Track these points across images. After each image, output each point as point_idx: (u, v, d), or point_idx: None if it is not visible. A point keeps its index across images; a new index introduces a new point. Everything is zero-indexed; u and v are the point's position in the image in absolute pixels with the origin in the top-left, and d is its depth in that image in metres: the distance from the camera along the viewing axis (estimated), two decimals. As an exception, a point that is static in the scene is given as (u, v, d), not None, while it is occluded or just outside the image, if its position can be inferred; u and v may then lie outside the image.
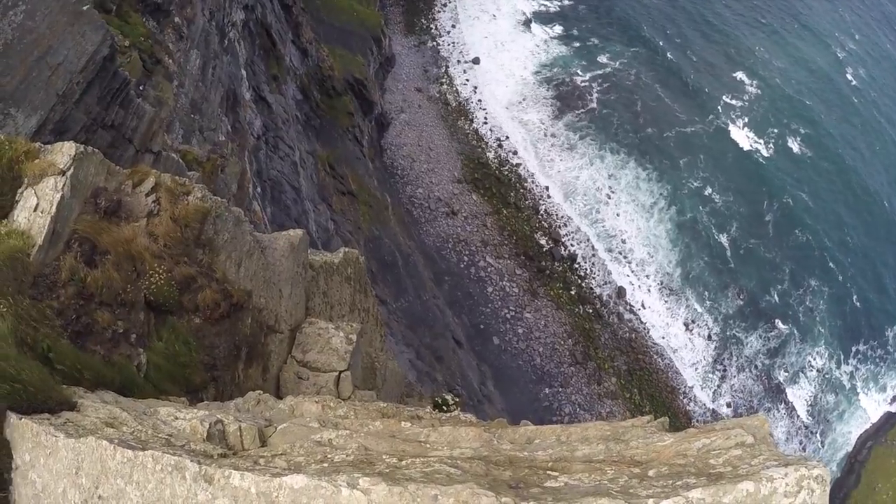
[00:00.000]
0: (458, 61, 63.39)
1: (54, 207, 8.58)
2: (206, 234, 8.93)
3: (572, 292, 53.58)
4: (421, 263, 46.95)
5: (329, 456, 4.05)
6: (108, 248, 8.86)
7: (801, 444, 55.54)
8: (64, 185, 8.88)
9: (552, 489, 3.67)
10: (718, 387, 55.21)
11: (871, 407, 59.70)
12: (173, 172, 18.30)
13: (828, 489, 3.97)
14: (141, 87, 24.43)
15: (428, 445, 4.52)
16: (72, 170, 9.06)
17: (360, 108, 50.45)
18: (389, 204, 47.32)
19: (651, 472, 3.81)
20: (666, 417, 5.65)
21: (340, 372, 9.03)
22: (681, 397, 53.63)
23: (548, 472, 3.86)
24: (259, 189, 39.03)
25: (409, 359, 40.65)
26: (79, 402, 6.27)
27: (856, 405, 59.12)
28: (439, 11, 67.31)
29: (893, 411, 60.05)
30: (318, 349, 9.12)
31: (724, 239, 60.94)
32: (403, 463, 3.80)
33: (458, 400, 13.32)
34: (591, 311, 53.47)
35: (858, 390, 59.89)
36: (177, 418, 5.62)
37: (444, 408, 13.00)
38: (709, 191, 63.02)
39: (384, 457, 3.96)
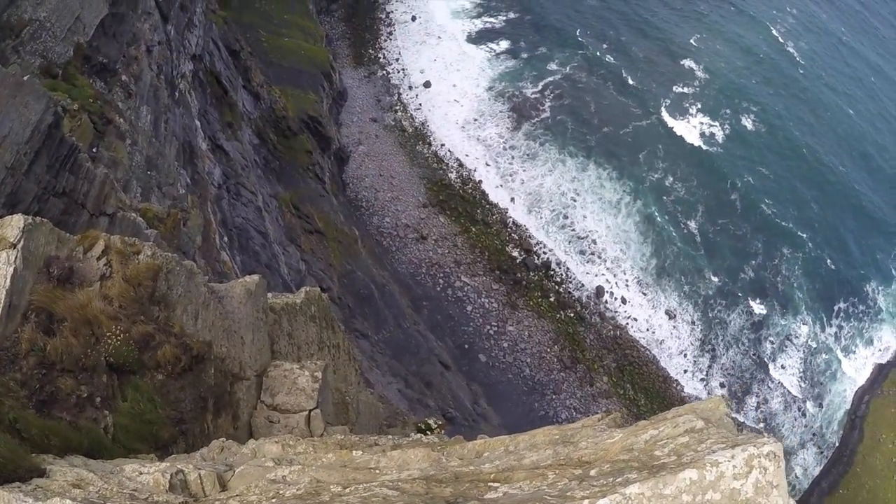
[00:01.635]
0: (410, 87, 63.83)
1: (8, 281, 8.63)
2: (160, 291, 8.95)
3: (551, 299, 53.78)
4: (397, 292, 46.87)
5: (281, 492, 4.09)
6: (64, 316, 8.94)
7: (799, 409, 56.24)
8: (16, 258, 8.93)
9: (490, 500, 3.70)
10: (709, 368, 55.71)
11: (861, 362, 60.81)
12: (129, 233, 18.24)
13: (783, 465, 3.95)
14: (94, 149, 24.35)
15: (378, 471, 4.57)
16: (22, 242, 9.12)
17: (318, 146, 50.57)
18: (358, 237, 47.29)
19: (593, 472, 3.82)
20: (618, 413, 5.67)
21: (310, 410, 9.03)
22: (674, 385, 53.96)
23: (489, 483, 3.90)
24: (226, 238, 38.86)
25: (398, 389, 40.46)
26: (48, 468, 6.29)
27: (846, 362, 60.16)
28: (385, 40, 67.91)
29: (883, 363, 61.35)
30: (285, 391, 9.12)
31: (692, 224, 61.89)
32: (347, 490, 3.84)
33: (440, 423, 13.33)
34: (572, 314, 53.67)
35: (846, 348, 60.98)
36: (141, 473, 5.65)
37: (428, 432, 13.00)
38: (670, 180, 64.06)
39: (331, 487, 4.00)
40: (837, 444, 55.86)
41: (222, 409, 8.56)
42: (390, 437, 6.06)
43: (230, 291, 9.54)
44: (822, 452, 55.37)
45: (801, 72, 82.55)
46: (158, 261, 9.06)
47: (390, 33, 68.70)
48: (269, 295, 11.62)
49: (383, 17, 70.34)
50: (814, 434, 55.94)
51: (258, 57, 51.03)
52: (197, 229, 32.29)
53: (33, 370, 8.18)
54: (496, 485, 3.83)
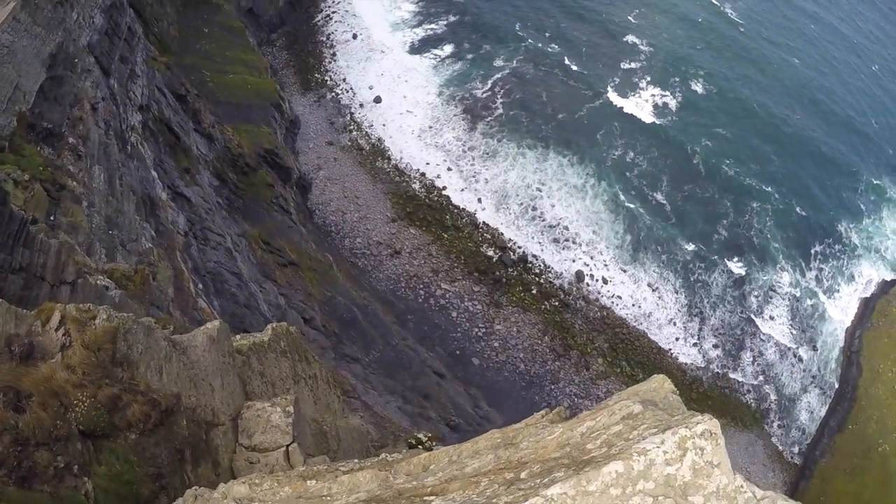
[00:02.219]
0: (361, 105, 63.79)
1: (-29, 366, 8.68)
2: (121, 352, 8.96)
3: (534, 291, 53.97)
4: (380, 310, 46.73)
5: (241, 531, 4.12)
6: (31, 391, 9.07)
7: (794, 356, 57.27)
8: (-24, 342, 9.00)
9: (422, 514, 3.69)
10: (700, 332, 56.32)
11: (847, 300, 62.02)
12: (92, 297, 18.09)
13: (722, 442, 3.84)
14: (52, 217, 24.18)
15: (329, 497, 4.60)
16: (-20, 326, 9.17)
17: (279, 178, 50.38)
18: (333, 262, 47.13)
19: (524, 474, 3.77)
20: (562, 407, 5.65)
21: (287, 446, 9.05)
22: (668, 354, 54.47)
23: (425, 498, 3.89)
24: (200, 285, 38.57)
25: (397, 406, 40.41)
26: (34, 540, 6.33)
27: (832, 303, 61.28)
28: (330, 62, 67.79)
29: (868, 296, 62.66)
30: (261, 430, 9.12)
31: (659, 195, 62.60)
32: (295, 520, 3.88)
33: (430, 436, 13.31)
34: (556, 303, 53.90)
35: (829, 289, 62.13)
36: (116, 536, 5.64)
37: (420, 446, 12.99)
38: (631, 155, 64.75)
39: (283, 519, 4.04)
40: (838, 383, 56.86)
41: (201, 457, 8.56)
42: (356, 460, 6.10)
43: (193, 341, 9.55)
44: (824, 393, 56.28)
45: (742, 30, 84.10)
46: (114, 322, 9.07)
47: (333, 55, 68.63)
48: (238, 336, 11.62)
49: (324, 39, 70.29)
50: (813, 377, 56.82)
51: (206, 98, 50.77)
52: (168, 281, 32.04)
53: (9, 448, 8.28)
54: (431, 498, 3.82)
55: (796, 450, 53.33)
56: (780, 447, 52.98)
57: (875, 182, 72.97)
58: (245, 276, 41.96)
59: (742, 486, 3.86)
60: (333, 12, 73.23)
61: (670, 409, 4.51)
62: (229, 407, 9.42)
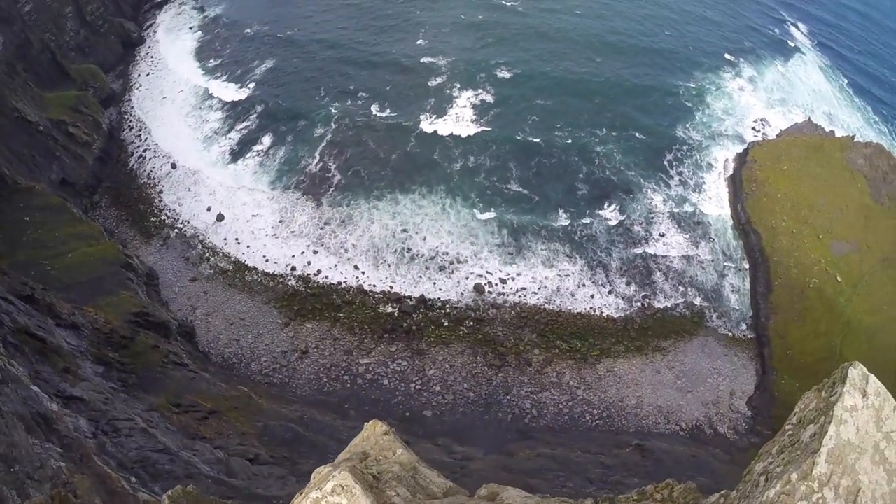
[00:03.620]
0: (206, 230, 62.54)
1: None
2: None
3: (445, 324, 54.55)
4: (317, 414, 45.88)
5: None
6: None
7: (698, 256, 61.09)
8: None
9: None
10: (608, 280, 58.76)
11: (716, 187, 67.56)
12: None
13: (357, 489, 3.93)
14: (-56, 482, 22.68)
15: None
16: None
17: (160, 336, 48.66)
18: (249, 392, 45.95)
19: None
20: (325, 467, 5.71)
21: None
22: (593, 314, 56.41)
23: None
24: (133, 479, 36.78)
25: (372, 492, 39.76)
26: None
27: (704, 195, 66.40)
28: (160, 201, 66.03)
29: (731, 173, 68.56)
30: None
31: (513, 184, 65.31)
32: None
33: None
34: (471, 323, 54.73)
35: (697, 185, 67.00)
36: None
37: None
38: (472, 160, 67.19)
39: None
40: (746, 256, 61.40)
41: None
42: None
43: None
44: (740, 270, 60.61)
45: (520, 11, 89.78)
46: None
47: (160, 192, 66.90)
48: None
49: (146, 180, 68.32)
50: (724, 264, 60.85)
51: (54, 287, 48.36)
52: (91, 492, 30.45)
53: None
54: None
55: (744, 327, 56.79)
56: (730, 333, 56.28)
57: (689, 85, 79.14)
58: (172, 448, 40.26)
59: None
60: (145, 150, 71.43)
61: (381, 452, 4.85)
62: None
